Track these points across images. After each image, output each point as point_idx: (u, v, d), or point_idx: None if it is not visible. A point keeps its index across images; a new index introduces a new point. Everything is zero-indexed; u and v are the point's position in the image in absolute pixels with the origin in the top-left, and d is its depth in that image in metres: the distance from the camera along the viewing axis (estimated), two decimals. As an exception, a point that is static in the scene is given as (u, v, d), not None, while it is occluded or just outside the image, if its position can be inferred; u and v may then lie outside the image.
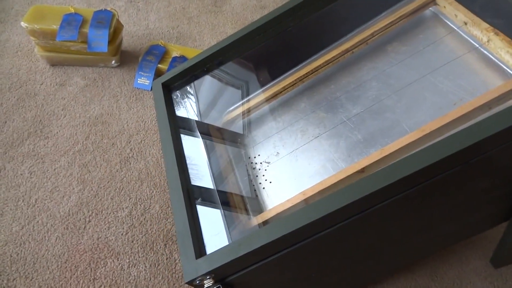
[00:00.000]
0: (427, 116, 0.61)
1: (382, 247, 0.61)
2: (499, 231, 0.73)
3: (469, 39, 0.65)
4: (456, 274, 0.81)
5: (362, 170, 0.58)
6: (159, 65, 1.21)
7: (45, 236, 0.86)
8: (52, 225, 0.88)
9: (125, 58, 1.28)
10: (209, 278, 0.48)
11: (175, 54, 1.24)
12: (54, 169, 0.98)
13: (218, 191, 0.67)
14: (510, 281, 0.79)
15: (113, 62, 1.25)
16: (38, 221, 0.89)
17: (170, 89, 0.79)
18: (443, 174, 0.47)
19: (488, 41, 0.61)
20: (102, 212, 0.90)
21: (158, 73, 1.22)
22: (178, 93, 0.80)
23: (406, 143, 0.56)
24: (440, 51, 0.67)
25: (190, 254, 0.49)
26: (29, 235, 0.87)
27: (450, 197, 0.53)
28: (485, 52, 0.62)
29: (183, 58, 1.22)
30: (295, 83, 0.77)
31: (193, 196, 0.59)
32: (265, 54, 0.81)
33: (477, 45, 0.64)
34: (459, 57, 0.64)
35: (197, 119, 0.79)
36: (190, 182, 0.61)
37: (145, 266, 0.82)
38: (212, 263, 0.47)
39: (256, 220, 0.63)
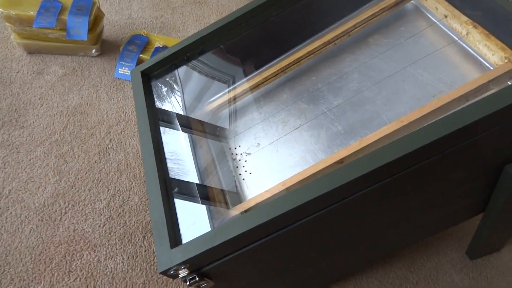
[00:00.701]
0: (407, 108, 0.62)
1: (359, 238, 0.61)
2: (474, 223, 0.74)
3: (448, 32, 0.65)
4: (433, 266, 0.82)
5: (341, 161, 0.58)
6: (141, 55, 1.19)
7: (18, 228, 0.84)
8: (26, 216, 0.85)
9: (106, 48, 1.25)
10: (184, 268, 0.47)
11: (157, 44, 1.22)
12: (30, 160, 0.95)
13: (196, 182, 0.66)
14: (484, 272, 0.81)
15: (94, 51, 1.22)
16: (11, 213, 0.86)
17: (149, 78, 0.77)
18: (419, 164, 0.47)
19: (467, 34, 0.61)
20: (79, 203, 0.88)
21: (139, 63, 1.19)
22: (157, 82, 0.78)
23: (384, 134, 0.56)
24: (420, 44, 0.67)
25: (165, 244, 0.48)
26: (1, 226, 0.84)
27: (426, 188, 0.53)
28: (464, 45, 0.63)
29: (166, 49, 1.19)
30: (277, 74, 0.76)
31: (170, 186, 0.58)
32: (247, 44, 0.80)
33: (457, 38, 0.64)
34: (439, 49, 0.65)
35: (177, 108, 0.78)
36: (167, 172, 0.60)
37: (123, 258, 0.80)
38: (187, 253, 0.47)
39: (234, 211, 0.63)
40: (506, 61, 0.55)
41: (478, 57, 0.61)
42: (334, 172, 0.46)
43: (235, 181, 0.69)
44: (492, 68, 0.58)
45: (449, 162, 0.49)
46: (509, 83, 0.56)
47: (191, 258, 0.46)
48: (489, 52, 0.58)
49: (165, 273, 0.47)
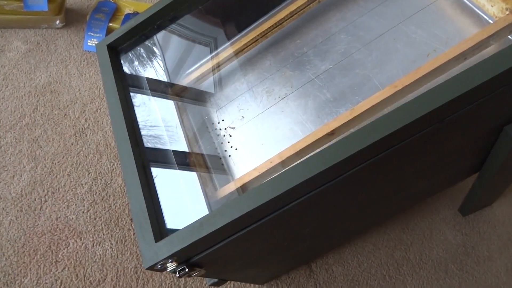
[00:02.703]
0: (399, 70, 0.57)
1: (355, 210, 0.59)
2: (466, 180, 0.73)
3: (443, -18, 0.59)
4: (426, 225, 0.82)
5: (332, 133, 0.54)
6: (111, 24, 1.10)
7: (-3, 221, 0.80)
8: (3, 208, 0.81)
9: (71, 18, 1.15)
10: (171, 261, 0.44)
11: (128, 10, 1.12)
12: (0, 147, 0.89)
13: (178, 163, 0.62)
14: (477, 227, 0.81)
15: (57, 22, 1.11)
16: (-13, 205, 0.82)
17: (118, 51, 0.70)
18: (418, 134, 0.43)
19: (463, -16, 0.56)
20: (59, 190, 0.84)
21: (110, 33, 1.10)
22: (127, 56, 0.71)
23: (377, 101, 0.52)
24: (412, -3, 0.61)
25: (149, 238, 0.45)
26: (-22, 221, 0.80)
27: (424, 156, 0.50)
28: (460, -4, 0.58)
29: (137, 15, 1.10)
30: (257, 39, 0.70)
31: (150, 172, 0.54)
32: (223, 7, 0.73)
33: (452, -11, 0.58)
34: (433, 3, 0.59)
35: (151, 85, 0.72)
36: (145, 156, 0.56)
37: (111, 244, 0.78)
38: (173, 246, 0.43)
39: (223, 191, 0.59)
40: (507, 12, 0.50)
41: (476, 9, 0.55)
42: (327, 149, 0.43)
43: (220, 159, 0.65)
44: (491, 22, 0.53)
45: (449, 130, 0.45)
46: (510, 37, 0.51)
47: (178, 251, 0.43)
48: (488, 3, 0.53)
49: (151, 268, 0.44)
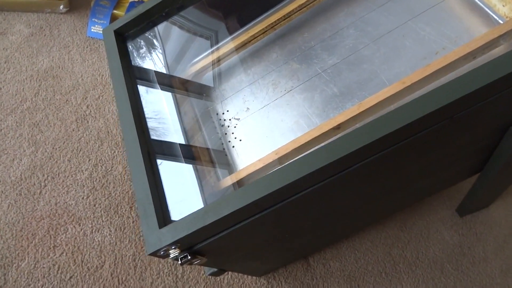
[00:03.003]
0: (407, 67, 0.57)
1: (356, 205, 0.60)
2: (465, 181, 0.73)
3: (454, -20, 0.59)
4: (424, 224, 0.82)
5: (338, 127, 0.54)
6: (115, 11, 1.09)
7: (-5, 204, 0.79)
8: (2, 191, 0.81)
9: (75, 3, 1.14)
10: (174, 248, 0.44)
11: (132, -2, 1.11)
12: (1, 130, 0.89)
13: (183, 152, 0.62)
14: (473, 228, 0.82)
15: (61, 7, 1.10)
16: (-14, 188, 0.81)
17: (124, 37, 0.70)
18: (425, 131, 0.43)
19: (475, -17, 0.56)
20: (59, 175, 0.83)
21: (114, 20, 1.09)
22: (134, 42, 0.71)
23: (384, 97, 0.52)
24: (423, -5, 0.61)
25: (153, 224, 0.45)
26: (-23, 203, 0.79)
27: (429, 154, 0.51)
28: (470, -5, 0.58)
29: (142, 3, 1.09)
30: (265, 31, 0.70)
31: (154, 159, 0.54)
32: (232, -2, 0.72)
33: (463, -12, 0.58)
34: (443, 1, 0.59)
35: (157, 73, 0.71)
36: (150, 144, 0.56)
37: (110, 231, 0.78)
38: (177, 232, 0.43)
39: (226, 181, 0.59)
40: (518, 13, 0.50)
41: (486, 9, 0.55)
42: (333, 143, 0.43)
43: (224, 149, 0.65)
44: (501, 22, 0.53)
45: (456, 127, 0.46)
46: (519, 38, 0.51)
47: (182, 238, 0.43)
48: (499, 3, 0.53)
49: (154, 254, 0.44)
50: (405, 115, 0.41)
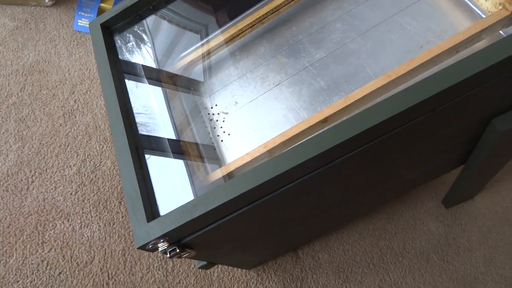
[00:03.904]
0: (393, 61, 0.58)
1: (343, 197, 0.60)
2: (450, 172, 0.75)
3: (439, -25, 0.60)
4: (411, 216, 0.84)
5: (325, 120, 0.55)
6: (102, 4, 1.07)
7: (-18, 200, 0.78)
8: (-11, 187, 0.80)
9: (61, -4, 1.12)
10: (163, 241, 0.45)
11: (119, -9, 1.10)
12: (-14, 125, 0.88)
13: (172, 146, 0.62)
14: (459, 219, 0.84)
15: (47, 0, 1.09)
16: (-28, 184, 0.80)
17: (111, 31, 0.69)
18: (409, 123, 0.44)
19: (459, -22, 0.56)
20: (46, 171, 0.83)
21: (101, 14, 1.08)
22: (121, 36, 0.70)
23: (370, 90, 0.53)
24: (408, -11, 0.62)
25: (141, 218, 0.45)
26: (-37, 199, 0.78)
27: (413, 146, 0.52)
28: (455, -10, 0.58)
29: (128, -4, 1.08)
30: (254, 25, 0.70)
31: (142, 153, 0.54)
32: (219, -9, 0.72)
33: (447, -18, 0.59)
34: (428, -5, 0.60)
35: (145, 67, 0.71)
36: (138, 138, 0.55)
37: (99, 226, 0.77)
38: (165, 226, 0.44)
39: (214, 175, 0.59)
40: (500, 7, 0.51)
41: (469, 3, 0.56)
42: (319, 135, 0.43)
43: (213, 143, 0.65)
44: (484, 16, 0.54)
45: (439, 120, 0.47)
46: (501, 32, 0.53)
47: (170, 231, 0.44)
48: (482, -2, 0.54)
49: (143, 247, 0.44)
50: (390, 107, 0.42)
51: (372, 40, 0.61)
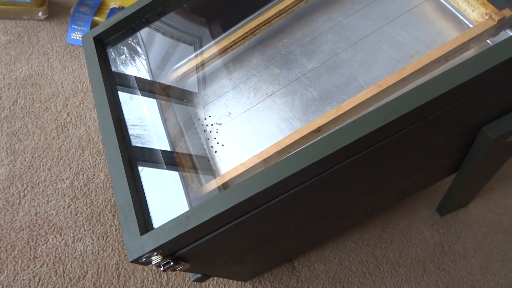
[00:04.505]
0: (384, 70, 0.58)
1: (337, 207, 0.60)
2: (444, 180, 0.75)
3: (427, -14, 0.61)
4: (406, 224, 0.84)
5: (318, 129, 0.55)
6: (95, 18, 1.08)
7: (-28, 215, 0.77)
8: (-21, 202, 0.79)
9: (55, 10, 1.13)
10: (156, 254, 0.44)
11: (113, 5, 1.11)
12: (-23, 139, 0.87)
13: (165, 158, 0.62)
14: (453, 227, 0.84)
15: (40, 14, 1.09)
16: (-38, 199, 0.79)
17: (104, 44, 0.69)
18: (401, 132, 0.44)
19: (446, -11, 0.58)
20: (38, 184, 0.82)
21: (94, 27, 1.08)
22: (115, 49, 0.71)
23: (362, 99, 0.53)
24: (397, 0, 0.63)
25: (134, 230, 0.44)
26: (-47, 215, 0.77)
27: (406, 154, 0.52)
28: (442, 0, 0.60)
29: (122, 10, 1.09)
30: (246, 36, 0.70)
31: (136, 165, 0.54)
32: (212, 4, 0.73)
33: (435, -6, 0.60)
34: (417, 6, 0.61)
35: (138, 80, 0.71)
36: (132, 150, 0.55)
37: (92, 240, 0.76)
38: (158, 238, 0.43)
39: (208, 186, 0.59)
40: (487, 17, 0.52)
41: (457, 13, 0.58)
42: (312, 145, 0.43)
43: (207, 155, 0.65)
44: (471, 26, 0.55)
45: (431, 128, 0.47)
46: (489, 41, 0.54)
47: (164, 244, 0.43)
48: (469, 8, 0.55)
49: (136, 261, 0.44)
50: (382, 116, 0.42)
51: (363, 50, 0.62)
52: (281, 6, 0.69)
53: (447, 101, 0.43)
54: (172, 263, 0.46)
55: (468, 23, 0.56)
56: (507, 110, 0.52)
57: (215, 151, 0.65)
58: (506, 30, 0.53)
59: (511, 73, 0.44)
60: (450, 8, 0.59)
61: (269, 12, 0.70)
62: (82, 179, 0.83)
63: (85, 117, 0.92)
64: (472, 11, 0.54)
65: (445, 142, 0.54)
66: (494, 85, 0.45)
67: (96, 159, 0.86)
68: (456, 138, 0.55)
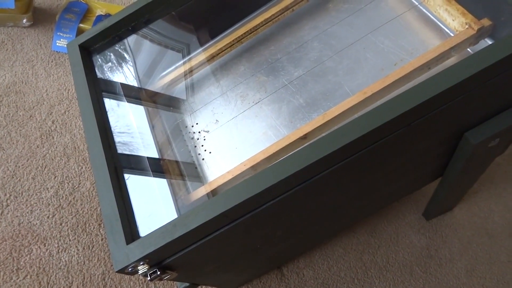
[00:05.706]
0: (369, 78, 0.59)
1: (325, 213, 0.61)
2: (430, 185, 0.76)
3: (409, -4, 0.63)
4: (393, 229, 0.85)
5: (305, 137, 0.55)
6: (81, 25, 1.07)
7: (-48, 226, 0.75)
8: (-40, 213, 0.77)
9: (40, 17, 1.12)
10: (143, 264, 0.44)
11: (99, 12, 1.10)
12: (-42, 149, 0.85)
13: (152, 166, 0.61)
14: (439, 231, 0.85)
15: (24, 21, 1.08)
16: None
17: (90, 52, 0.69)
18: (386, 138, 0.45)
19: (427, -1, 0.59)
20: (22, 194, 0.80)
21: (80, 34, 1.08)
22: (101, 56, 0.70)
23: (348, 106, 0.54)
24: (381, 9, 0.64)
25: (120, 240, 0.44)
26: None
27: (391, 159, 0.53)
28: (424, 10, 0.61)
29: (109, 17, 1.08)
30: (232, 44, 0.71)
31: (122, 173, 0.53)
32: (199, 11, 0.73)
33: (417, 3, 0.62)
34: (400, 15, 0.63)
35: (124, 87, 0.71)
36: (117, 158, 0.55)
37: (78, 250, 0.75)
38: (145, 248, 0.43)
39: (195, 194, 0.59)
40: (466, 26, 0.54)
41: (439, 23, 0.59)
42: (299, 152, 0.44)
43: (194, 162, 0.65)
44: (452, 35, 0.57)
45: (415, 134, 0.48)
46: (469, 49, 0.55)
47: (150, 253, 0.43)
48: (450, 17, 0.56)
49: (122, 271, 0.43)
50: (367, 123, 0.43)
51: (348, 58, 0.63)
52: (267, 15, 0.69)
53: (430, 107, 0.44)
54: (159, 273, 0.45)
55: (449, 32, 0.58)
56: (488, 116, 0.54)
57: (203, 159, 0.65)
58: (485, 39, 0.55)
59: (491, 80, 0.46)
60: (432, 17, 0.60)
61: (255, 20, 0.70)
62: (67, 188, 0.82)
63: (71, 125, 0.91)
64: (453, 20, 0.56)
65: (428, 147, 0.55)
66: (475, 91, 0.46)
67: (82, 168, 0.85)
68: (439, 144, 0.56)
